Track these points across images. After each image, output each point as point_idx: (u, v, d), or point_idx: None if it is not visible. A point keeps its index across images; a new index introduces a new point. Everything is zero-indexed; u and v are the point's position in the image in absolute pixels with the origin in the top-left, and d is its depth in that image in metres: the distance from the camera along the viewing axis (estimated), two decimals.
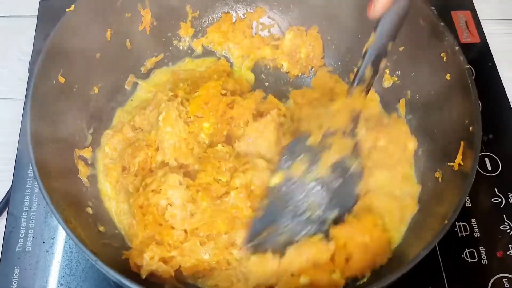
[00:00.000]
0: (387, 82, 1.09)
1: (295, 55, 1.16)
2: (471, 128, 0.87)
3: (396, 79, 1.08)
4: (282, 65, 1.17)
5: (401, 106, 1.06)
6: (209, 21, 1.17)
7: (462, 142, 0.88)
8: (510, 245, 1.00)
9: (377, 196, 0.96)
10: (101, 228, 0.92)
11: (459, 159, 0.88)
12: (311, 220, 0.91)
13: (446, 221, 0.79)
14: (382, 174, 0.98)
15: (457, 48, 0.92)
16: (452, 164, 0.89)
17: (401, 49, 1.04)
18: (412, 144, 1.02)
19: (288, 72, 1.18)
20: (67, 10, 0.95)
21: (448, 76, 0.94)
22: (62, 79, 0.93)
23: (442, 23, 0.95)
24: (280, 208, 0.91)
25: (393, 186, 0.98)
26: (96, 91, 1.03)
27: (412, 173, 1.01)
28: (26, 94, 0.87)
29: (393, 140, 1.02)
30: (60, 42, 0.93)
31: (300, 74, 1.17)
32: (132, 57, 1.10)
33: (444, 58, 0.95)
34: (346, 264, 0.89)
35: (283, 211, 0.91)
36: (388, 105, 1.09)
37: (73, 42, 0.95)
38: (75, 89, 0.97)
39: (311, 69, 1.17)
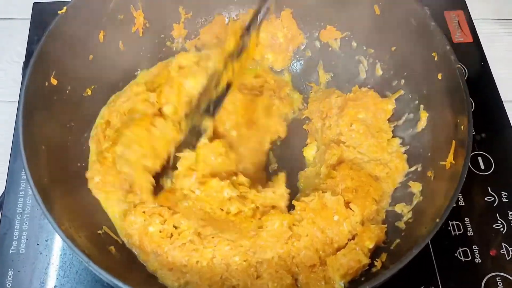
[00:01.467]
0: None
1: (275, 42, 1.17)
2: (462, 127, 0.87)
3: None
4: (268, 58, 1.17)
5: (361, 70, 1.11)
6: (202, 22, 1.17)
7: (453, 141, 0.88)
8: (503, 244, 1.00)
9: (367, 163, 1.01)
10: (100, 231, 0.92)
11: (450, 158, 0.88)
12: None
13: (438, 219, 0.79)
14: (369, 141, 1.02)
15: (448, 47, 0.93)
16: (444, 163, 0.89)
17: (393, 49, 1.05)
18: (389, 105, 1.05)
19: (272, 67, 1.19)
20: (60, 12, 0.95)
21: (439, 76, 0.95)
22: (54, 81, 0.93)
23: (433, 23, 0.95)
24: None
25: (380, 152, 1.02)
26: (90, 93, 1.03)
27: (396, 139, 1.04)
28: (19, 97, 0.86)
29: (370, 109, 1.05)
30: (52, 44, 0.93)
31: (284, 67, 1.19)
32: (125, 58, 1.10)
33: (436, 58, 0.95)
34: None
35: None
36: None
37: (66, 44, 0.96)
38: (67, 91, 0.97)
39: (294, 60, 1.19)
